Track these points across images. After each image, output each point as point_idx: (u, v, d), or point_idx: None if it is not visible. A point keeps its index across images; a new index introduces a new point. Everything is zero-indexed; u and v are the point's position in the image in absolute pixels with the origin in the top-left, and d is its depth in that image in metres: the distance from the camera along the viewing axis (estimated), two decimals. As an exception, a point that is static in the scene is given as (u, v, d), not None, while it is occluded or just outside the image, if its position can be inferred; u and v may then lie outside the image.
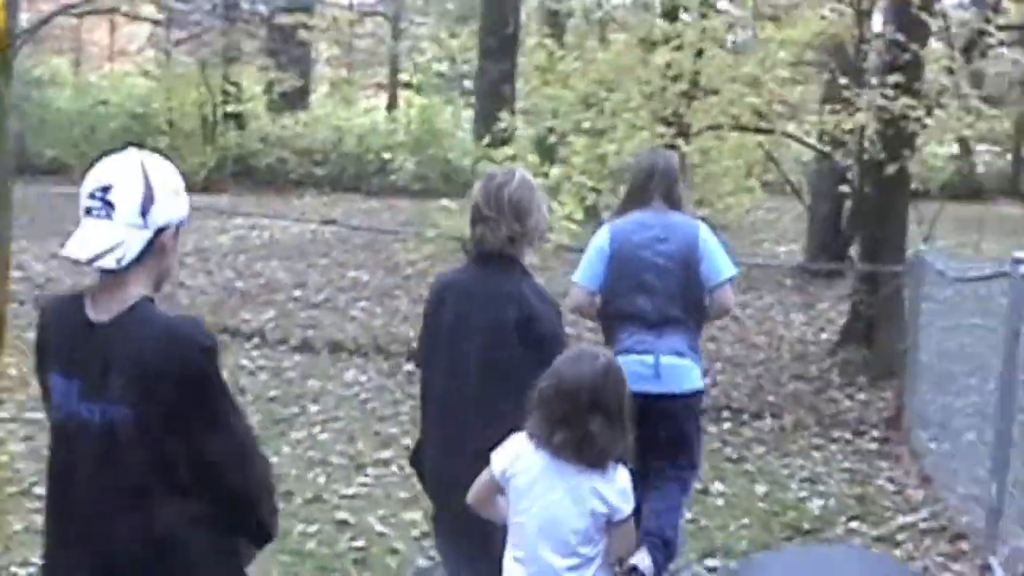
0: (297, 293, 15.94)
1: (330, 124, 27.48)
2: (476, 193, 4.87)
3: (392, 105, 31.44)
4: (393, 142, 27.41)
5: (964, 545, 7.70)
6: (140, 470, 3.22)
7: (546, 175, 11.32)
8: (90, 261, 3.21)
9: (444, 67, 33.92)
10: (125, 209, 3.24)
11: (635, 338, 6.08)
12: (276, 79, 26.31)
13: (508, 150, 11.61)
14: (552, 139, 12.31)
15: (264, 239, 20.46)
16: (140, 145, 3.50)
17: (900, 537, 8.03)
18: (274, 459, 8.85)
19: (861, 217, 13.16)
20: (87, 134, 26.98)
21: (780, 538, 7.96)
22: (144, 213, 3.26)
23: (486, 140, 11.77)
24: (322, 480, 8.62)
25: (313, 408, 10.73)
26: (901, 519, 8.44)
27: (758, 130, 12.37)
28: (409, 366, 12.37)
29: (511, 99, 12.35)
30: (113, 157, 3.33)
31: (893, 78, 11.94)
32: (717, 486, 8.96)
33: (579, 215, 10.90)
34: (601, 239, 6.23)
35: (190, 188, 3.46)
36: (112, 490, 3.24)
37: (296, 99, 27.34)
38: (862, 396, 12.23)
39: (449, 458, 4.68)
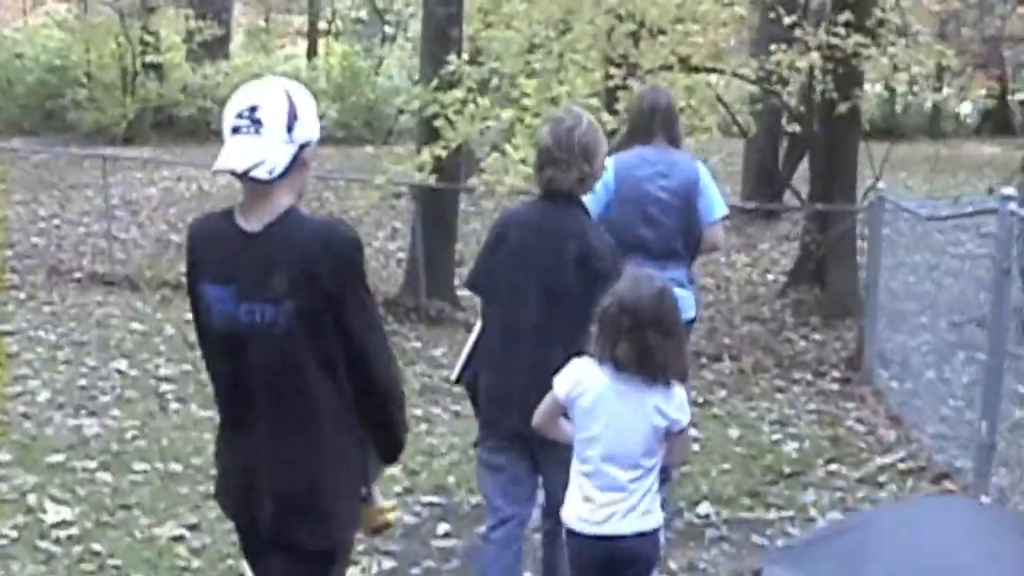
0: (236, 244, 15.51)
1: (251, 73, 26.81)
2: (545, 135, 5.03)
3: (312, 52, 30.81)
4: (315, 89, 26.97)
5: (950, 484, 7.57)
6: (303, 364, 3.50)
7: (498, 118, 10.99)
8: (245, 172, 3.43)
9: (363, 13, 33.47)
10: (273, 126, 3.47)
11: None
12: (196, 28, 25.58)
13: (457, 93, 11.23)
14: (498, 81, 11.91)
15: (193, 191, 19.94)
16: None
17: (882, 479, 7.90)
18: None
19: (812, 157, 12.99)
20: (4, 88, 26.18)
21: (764, 482, 7.78)
22: (290, 129, 3.50)
23: (434, 83, 11.38)
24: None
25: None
26: (879, 460, 8.29)
27: (708, 69, 12.09)
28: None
29: (458, 42, 11.95)
30: (256, 81, 3.61)
31: (843, 16, 11.77)
32: (691, 431, 8.73)
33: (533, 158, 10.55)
34: (606, 172, 6.02)
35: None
36: (280, 383, 3.52)
37: (216, 48, 26.61)
38: (818, 336, 12.14)
39: (507, 379, 4.91)
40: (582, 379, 4.29)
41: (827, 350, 11.60)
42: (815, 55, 11.41)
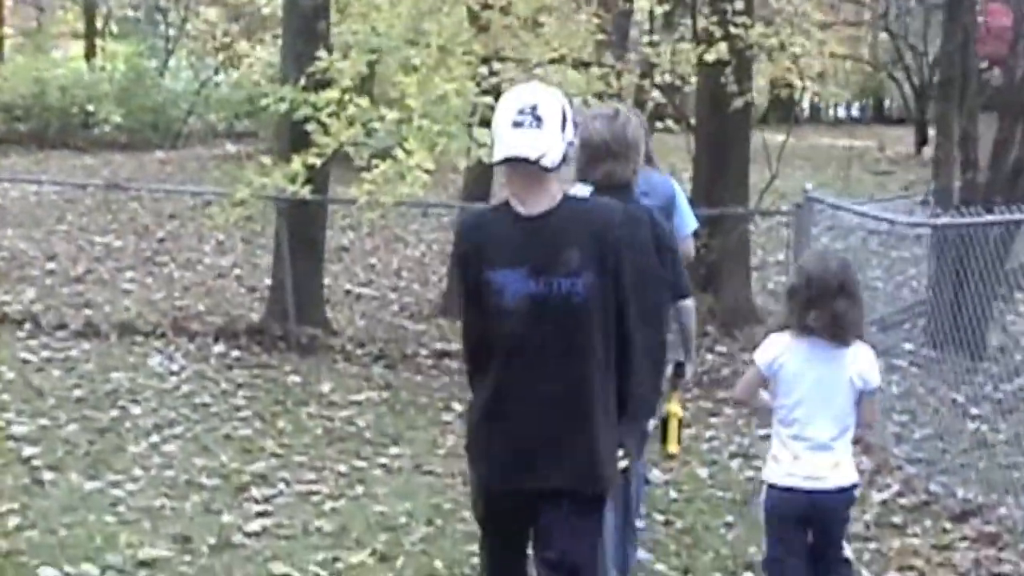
0: (51, 266, 13.54)
1: (30, 76, 24.43)
2: (599, 131, 5.02)
3: (91, 53, 28.39)
4: (98, 93, 24.85)
5: (990, 528, 6.49)
6: (592, 328, 3.86)
7: (381, 119, 9.50)
8: (537, 159, 3.82)
9: (139, 13, 31.20)
10: (552, 123, 3.86)
11: None
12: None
13: (332, 93, 9.71)
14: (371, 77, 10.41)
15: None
16: None
17: (896, 519, 6.76)
18: (129, 485, 6.94)
19: (698, 155, 11.89)
20: None
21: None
22: (563, 128, 3.90)
23: (301, 83, 9.82)
24: (203, 512, 6.62)
25: (136, 410, 8.65)
26: (876, 495, 7.18)
27: (599, 64, 10.87)
28: (219, 347, 10.44)
29: (326, 36, 10.39)
30: (526, 85, 4.07)
31: (738, 4, 10.72)
32: (656, 474, 7.48)
33: (430, 164, 9.14)
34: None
35: None
36: (574, 346, 3.85)
37: (-12, 51, 24.17)
38: (723, 348, 11.06)
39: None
40: (783, 349, 4.62)
41: (739, 363, 10.48)
42: (723, 47, 10.30)
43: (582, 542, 3.93)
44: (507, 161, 3.85)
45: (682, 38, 11.83)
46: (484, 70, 10.19)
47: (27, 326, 10.83)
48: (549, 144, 3.83)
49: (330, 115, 9.80)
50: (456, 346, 10.56)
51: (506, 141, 3.84)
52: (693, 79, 11.79)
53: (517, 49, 10.63)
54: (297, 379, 9.69)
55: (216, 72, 27.26)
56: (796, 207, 9.71)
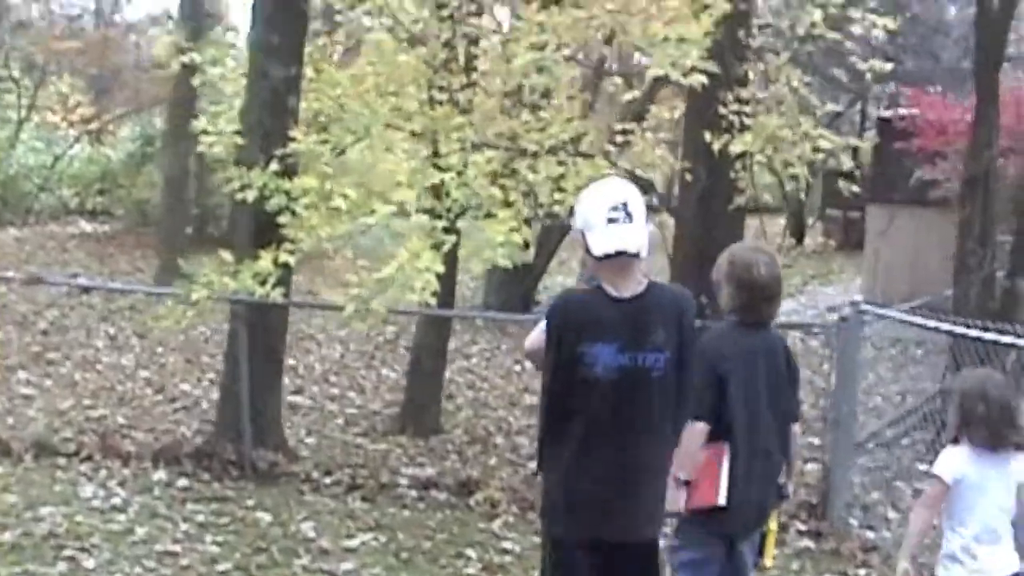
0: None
1: None
2: (763, 273, 5.02)
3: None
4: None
5: None
6: (668, 400, 4.47)
7: (372, 212, 7.94)
8: (638, 252, 4.41)
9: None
10: (639, 217, 4.44)
11: None
12: None
13: (310, 180, 8.14)
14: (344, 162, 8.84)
15: None
16: None
17: None
18: None
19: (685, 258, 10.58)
20: None
21: None
22: (645, 221, 4.48)
23: (273, 168, 8.23)
24: None
25: (88, 562, 6.87)
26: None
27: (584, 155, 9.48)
28: (160, 473, 8.65)
29: (295, 112, 8.79)
30: (610, 181, 4.93)
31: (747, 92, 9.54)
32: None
33: (439, 266, 7.65)
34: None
35: None
36: (655, 411, 4.44)
37: None
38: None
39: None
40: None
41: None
42: (748, 136, 9.06)
43: None
44: (614, 255, 4.37)
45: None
46: (479, 157, 8.77)
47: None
48: (642, 237, 4.41)
49: (307, 206, 8.25)
50: (434, 471, 9.06)
51: (608, 237, 4.36)
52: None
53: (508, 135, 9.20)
54: (267, 517, 7.97)
55: (71, 146, 25.09)
56: (842, 320, 8.44)
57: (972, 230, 9.62)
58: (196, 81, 10.27)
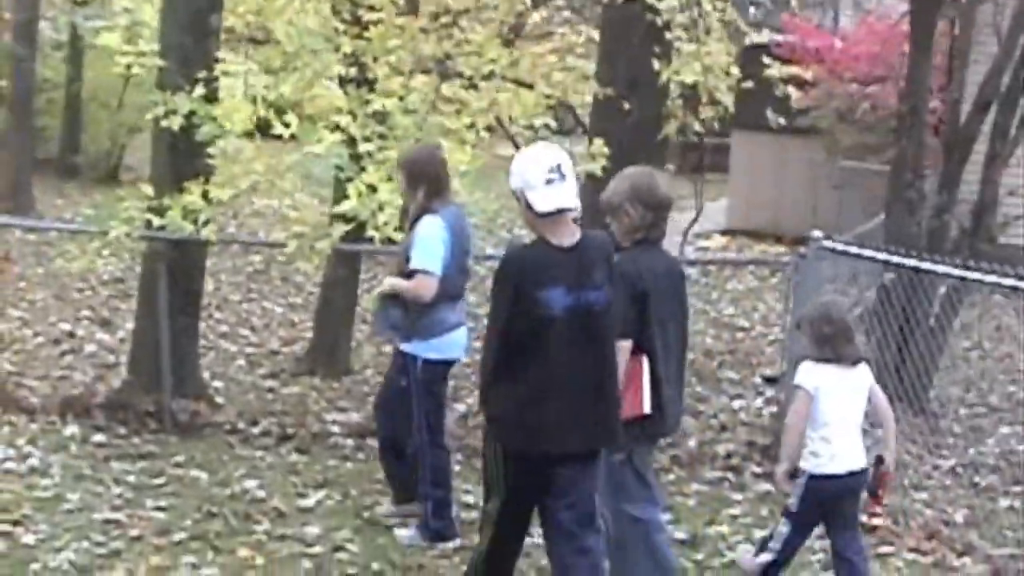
0: None
1: None
2: (660, 188, 5.39)
3: None
4: None
5: None
6: (609, 328, 4.98)
7: (318, 141, 7.15)
8: (574, 207, 4.91)
9: None
10: (571, 177, 4.92)
11: (458, 315, 6.41)
12: None
13: (243, 105, 7.30)
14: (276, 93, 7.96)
15: None
16: None
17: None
18: None
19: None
20: None
21: None
22: (575, 181, 4.99)
23: (197, 91, 7.36)
24: None
25: (25, 536, 6.07)
26: None
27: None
28: (71, 427, 7.79)
29: (218, 34, 7.89)
30: (541, 145, 5.17)
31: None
32: None
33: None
34: (440, 228, 6.20)
35: None
36: (601, 341, 4.94)
37: None
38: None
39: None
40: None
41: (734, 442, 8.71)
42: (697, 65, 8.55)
43: (594, 491, 5.11)
44: (556, 212, 4.85)
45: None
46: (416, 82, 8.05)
47: None
48: (576, 194, 4.92)
49: (241, 135, 7.43)
50: (361, 417, 8.38)
51: (548, 195, 4.83)
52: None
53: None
54: (203, 475, 7.24)
55: None
56: (800, 257, 8.06)
57: (906, 164, 9.32)
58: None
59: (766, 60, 12.57)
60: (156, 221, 7.43)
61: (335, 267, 9.43)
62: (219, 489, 7.04)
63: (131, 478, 7.13)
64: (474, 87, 8.23)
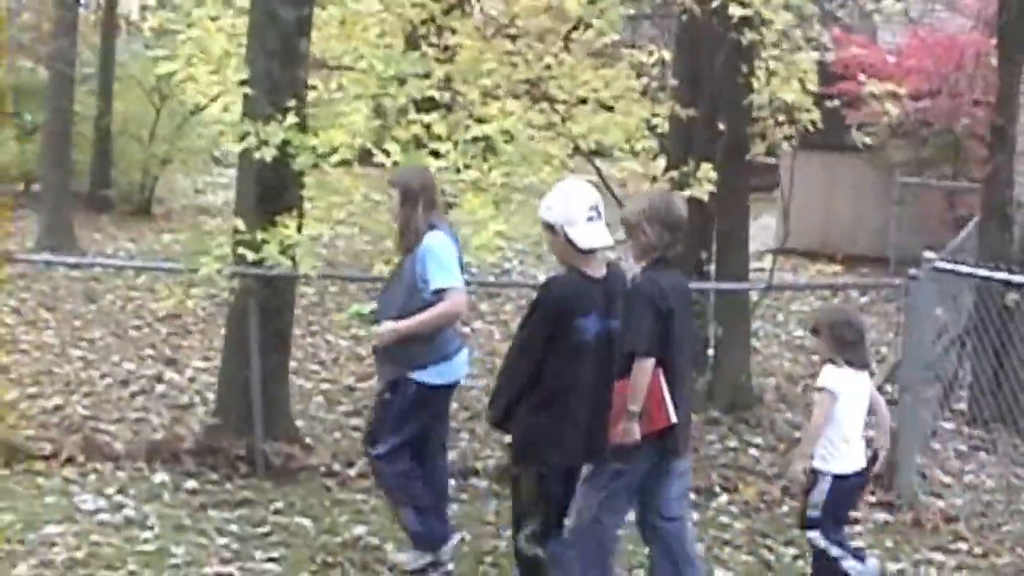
0: None
1: None
2: (683, 210, 5.60)
3: None
4: None
5: None
6: (617, 355, 5.29)
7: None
8: (609, 246, 5.25)
9: None
10: (603, 217, 5.23)
11: (459, 336, 6.35)
12: None
13: (339, 134, 6.93)
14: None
15: None
16: None
17: None
18: None
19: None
20: None
21: None
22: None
23: (291, 121, 6.99)
24: None
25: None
26: None
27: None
28: (160, 475, 7.39)
29: (306, 59, 7.52)
30: (579, 183, 5.44)
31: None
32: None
33: (501, 226, 6.59)
34: (447, 241, 6.05)
35: None
36: (610, 369, 5.29)
37: None
38: (757, 441, 8.93)
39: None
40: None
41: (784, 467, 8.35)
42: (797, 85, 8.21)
43: None
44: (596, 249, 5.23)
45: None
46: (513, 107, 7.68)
47: None
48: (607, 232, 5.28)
49: (337, 164, 7.07)
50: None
51: (591, 233, 5.17)
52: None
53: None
54: (307, 522, 6.85)
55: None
56: (911, 279, 7.68)
57: (1000, 179, 8.99)
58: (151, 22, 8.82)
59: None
60: (250, 256, 7.07)
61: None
62: (328, 537, 6.64)
63: (233, 527, 6.74)
64: (562, 112, 7.89)
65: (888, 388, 10.19)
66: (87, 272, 13.56)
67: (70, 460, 7.64)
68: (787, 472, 6.19)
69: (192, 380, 9.76)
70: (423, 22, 8.04)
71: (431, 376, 6.01)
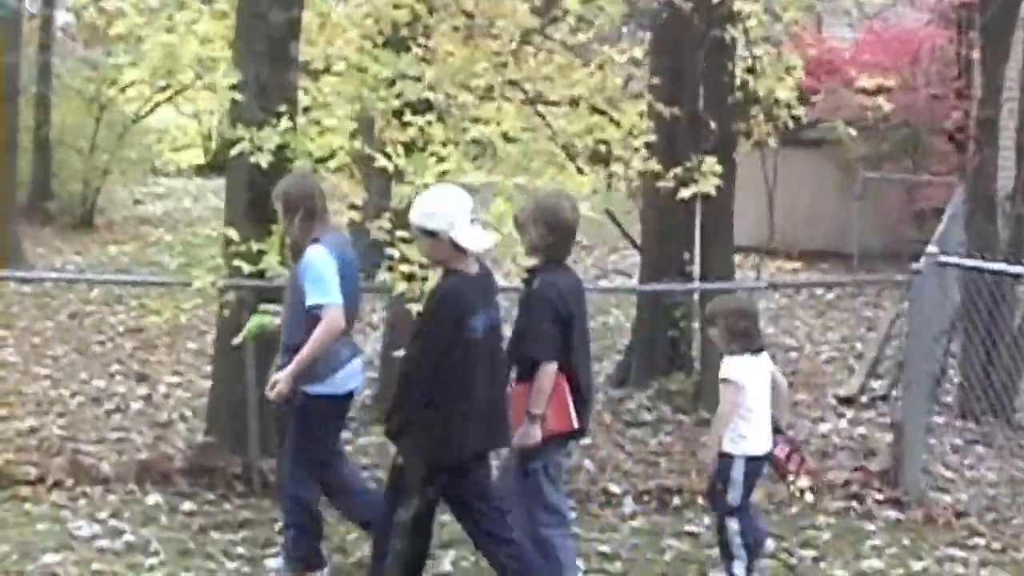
0: None
1: None
2: (570, 213, 5.63)
3: None
4: None
5: None
6: (501, 346, 5.59)
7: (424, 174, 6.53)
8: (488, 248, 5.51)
9: None
10: (479, 219, 5.51)
11: (350, 347, 6.14)
12: None
13: (335, 139, 6.67)
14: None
15: None
16: None
17: None
18: None
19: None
20: None
21: None
22: None
23: (286, 125, 6.72)
24: None
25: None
26: None
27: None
28: (154, 496, 7.08)
29: (296, 63, 7.23)
30: (452, 188, 5.58)
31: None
32: None
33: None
34: (325, 255, 5.89)
35: None
36: (500, 364, 5.53)
37: None
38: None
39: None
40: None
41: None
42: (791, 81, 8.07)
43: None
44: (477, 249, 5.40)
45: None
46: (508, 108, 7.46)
47: None
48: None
49: (338, 168, 6.82)
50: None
51: (475, 235, 5.35)
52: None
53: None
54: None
55: None
56: (915, 273, 7.56)
57: (986, 172, 8.93)
58: (116, 29, 8.48)
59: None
60: (246, 268, 6.79)
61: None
62: (341, 557, 6.38)
63: (240, 549, 6.46)
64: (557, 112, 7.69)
65: (874, 385, 10.22)
66: (38, 287, 13.14)
67: (57, 484, 7.30)
68: (698, 458, 6.40)
69: (167, 396, 9.41)
70: (407, 24, 7.79)
71: (322, 388, 5.93)
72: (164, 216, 19.86)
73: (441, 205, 5.29)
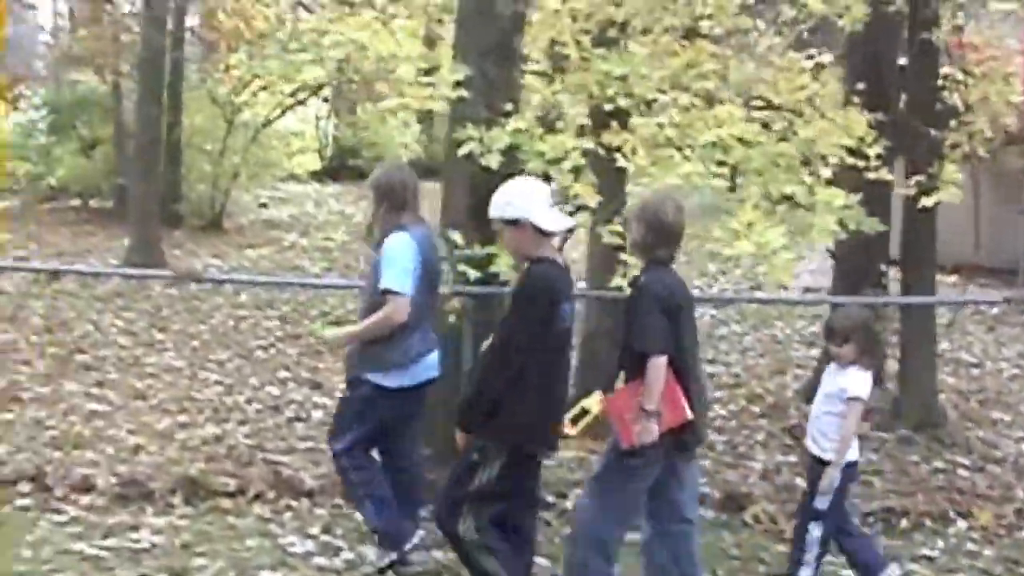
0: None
1: None
2: (673, 215, 5.29)
3: None
4: None
5: None
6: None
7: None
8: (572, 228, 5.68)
9: None
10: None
11: (427, 342, 6.01)
12: None
13: (567, 139, 6.24)
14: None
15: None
16: None
17: None
18: None
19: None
20: None
21: None
22: None
23: (514, 125, 6.30)
24: None
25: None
26: None
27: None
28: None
29: (520, 58, 6.83)
30: (527, 178, 5.69)
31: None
32: None
33: (790, 252, 6.00)
34: (407, 244, 5.80)
35: None
36: (569, 362, 5.51)
37: None
38: (966, 461, 8.26)
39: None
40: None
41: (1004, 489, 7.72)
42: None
43: None
44: (563, 231, 5.39)
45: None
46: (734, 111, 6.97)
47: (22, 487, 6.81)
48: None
49: (572, 170, 6.39)
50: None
51: (556, 217, 5.27)
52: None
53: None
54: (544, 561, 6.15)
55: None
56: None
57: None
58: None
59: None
60: (474, 273, 6.38)
61: (599, 316, 8.38)
62: None
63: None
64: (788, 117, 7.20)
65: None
66: (184, 290, 12.89)
67: (258, 496, 6.93)
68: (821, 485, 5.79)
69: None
70: (621, 24, 7.36)
71: (386, 378, 5.86)
72: (292, 220, 19.58)
73: (518, 193, 5.24)
